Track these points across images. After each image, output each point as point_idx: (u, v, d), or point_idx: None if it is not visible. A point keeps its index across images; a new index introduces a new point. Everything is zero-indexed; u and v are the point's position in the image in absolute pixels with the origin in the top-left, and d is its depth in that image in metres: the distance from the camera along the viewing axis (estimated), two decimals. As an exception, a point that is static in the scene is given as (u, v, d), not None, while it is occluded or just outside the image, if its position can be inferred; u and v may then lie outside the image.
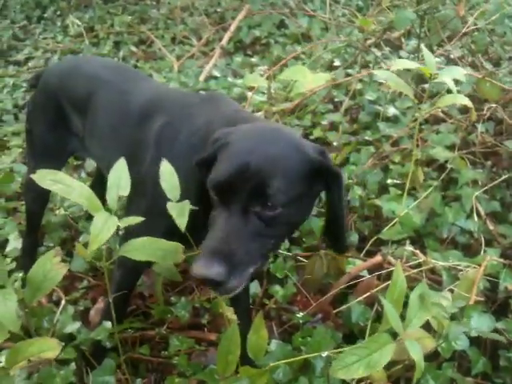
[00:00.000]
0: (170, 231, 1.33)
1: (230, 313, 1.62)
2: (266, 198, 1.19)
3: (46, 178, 1.31)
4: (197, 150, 1.44)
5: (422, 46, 1.99)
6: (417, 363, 1.20)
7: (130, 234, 1.45)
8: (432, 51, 3.56)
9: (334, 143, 2.92)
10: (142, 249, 1.32)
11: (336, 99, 3.36)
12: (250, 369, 1.43)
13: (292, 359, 1.50)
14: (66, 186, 1.31)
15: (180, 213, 1.30)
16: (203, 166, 1.34)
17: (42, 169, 1.93)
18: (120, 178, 1.36)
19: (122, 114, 1.77)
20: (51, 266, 1.40)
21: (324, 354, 1.36)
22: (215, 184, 1.23)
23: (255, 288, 2.05)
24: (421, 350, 1.22)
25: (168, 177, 1.36)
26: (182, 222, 1.29)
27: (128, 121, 1.73)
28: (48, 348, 1.34)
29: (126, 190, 1.34)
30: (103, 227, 1.26)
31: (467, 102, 1.88)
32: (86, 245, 2.19)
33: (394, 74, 1.83)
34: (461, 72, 1.95)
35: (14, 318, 1.30)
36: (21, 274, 1.97)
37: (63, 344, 1.35)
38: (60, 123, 1.99)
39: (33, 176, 1.30)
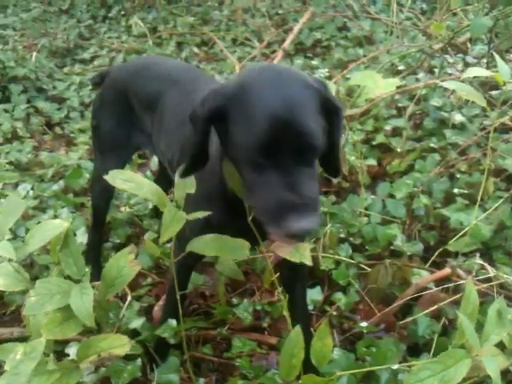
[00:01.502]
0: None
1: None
2: (312, 146, 1.16)
3: (117, 177, 1.35)
4: None
5: (494, 53, 1.92)
6: (494, 382, 1.16)
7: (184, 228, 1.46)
8: (502, 57, 3.45)
9: (398, 149, 2.87)
10: (210, 245, 1.36)
11: (399, 104, 3.30)
12: (315, 376, 1.42)
13: (358, 370, 1.47)
14: (136, 184, 1.35)
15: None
16: (211, 122, 1.25)
17: (108, 162, 2.07)
18: (186, 178, 1.39)
19: (185, 112, 1.80)
20: (125, 263, 1.44)
21: (395, 367, 1.33)
22: (260, 146, 1.13)
23: (317, 294, 2.04)
24: (498, 368, 1.19)
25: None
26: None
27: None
28: (118, 344, 1.38)
29: (191, 189, 1.38)
30: (172, 220, 1.29)
31: (545, 111, 1.82)
32: (152, 241, 2.26)
33: (463, 82, 1.79)
34: (536, 80, 1.88)
35: (90, 312, 1.33)
36: (87, 269, 2.03)
37: (133, 342, 1.38)
38: (127, 119, 2.05)
39: (106, 177, 1.34)
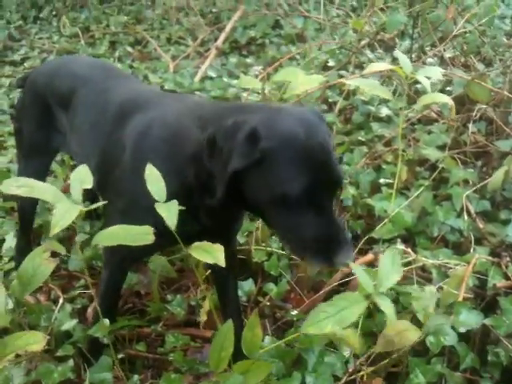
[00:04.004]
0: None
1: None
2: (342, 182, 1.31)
3: (11, 185, 1.36)
4: (171, 146, 1.47)
5: (397, 51, 2.00)
6: (388, 316, 1.25)
7: None
8: (424, 52, 3.61)
9: (328, 143, 2.95)
10: (114, 235, 1.35)
11: (330, 99, 3.40)
12: (246, 362, 1.46)
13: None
14: (29, 188, 1.36)
15: (169, 212, 1.32)
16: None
17: (29, 167, 2.08)
18: (82, 172, 1.41)
19: (100, 112, 1.80)
20: (41, 260, 1.44)
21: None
22: (308, 189, 1.20)
23: (249, 286, 2.08)
24: (392, 305, 1.29)
25: (154, 179, 1.37)
26: (172, 222, 1.31)
27: (105, 119, 1.75)
28: (34, 341, 1.37)
29: (88, 184, 1.39)
30: (65, 214, 1.30)
31: (448, 100, 1.93)
32: (84, 243, 2.24)
33: (369, 77, 1.88)
34: (438, 71, 1.99)
35: (2, 311, 1.36)
36: (14, 273, 2.01)
37: (48, 337, 1.38)
38: (46, 121, 2.04)
39: (1, 187, 1.34)
